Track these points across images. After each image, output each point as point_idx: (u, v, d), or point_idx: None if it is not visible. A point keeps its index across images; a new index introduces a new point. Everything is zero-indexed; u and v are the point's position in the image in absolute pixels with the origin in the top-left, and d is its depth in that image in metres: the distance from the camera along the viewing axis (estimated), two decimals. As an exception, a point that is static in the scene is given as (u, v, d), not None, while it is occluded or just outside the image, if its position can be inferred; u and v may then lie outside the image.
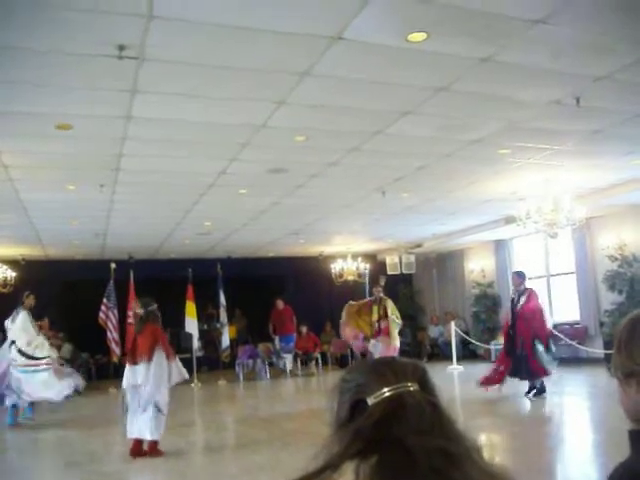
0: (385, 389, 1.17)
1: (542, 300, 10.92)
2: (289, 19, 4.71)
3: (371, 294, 12.68)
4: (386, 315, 11.64)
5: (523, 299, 10.26)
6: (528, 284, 10.97)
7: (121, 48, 4.91)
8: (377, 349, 11.44)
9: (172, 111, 6.52)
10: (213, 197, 10.50)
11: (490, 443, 6.97)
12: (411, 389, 1.17)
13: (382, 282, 12.30)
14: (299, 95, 6.19)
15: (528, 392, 9.97)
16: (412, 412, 1.14)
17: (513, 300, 10.54)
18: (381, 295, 12.02)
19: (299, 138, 7.62)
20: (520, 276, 10.70)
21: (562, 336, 13.44)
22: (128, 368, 7.25)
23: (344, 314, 12.25)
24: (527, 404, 9.70)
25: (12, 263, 15.44)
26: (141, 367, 7.07)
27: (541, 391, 10.01)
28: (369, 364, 1.35)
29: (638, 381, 1.41)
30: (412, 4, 4.55)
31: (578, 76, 6.08)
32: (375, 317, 11.78)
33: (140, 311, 7.63)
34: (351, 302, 12.47)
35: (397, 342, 11.67)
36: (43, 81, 5.55)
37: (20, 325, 9.67)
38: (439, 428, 1.14)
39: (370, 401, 1.17)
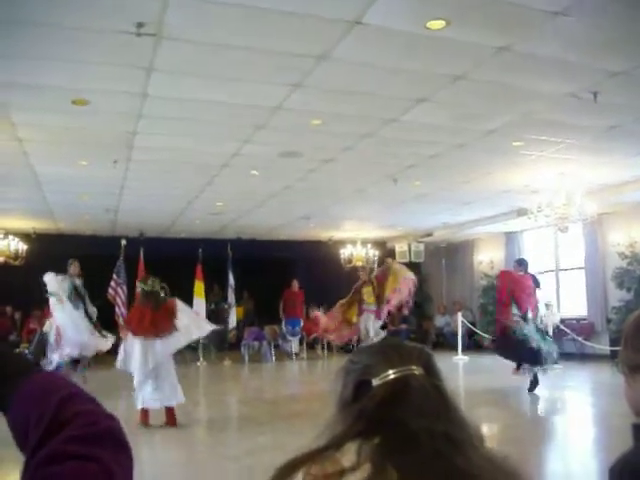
0: (390, 371, 1.19)
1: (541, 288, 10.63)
2: (308, 2, 4.70)
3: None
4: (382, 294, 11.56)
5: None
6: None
7: (139, 25, 4.91)
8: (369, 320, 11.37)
9: (187, 90, 6.53)
10: (226, 178, 10.51)
11: (490, 433, 6.98)
12: (416, 372, 1.19)
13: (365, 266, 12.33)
14: (316, 79, 6.18)
15: (531, 388, 9.74)
16: (416, 395, 1.16)
17: None
18: (370, 276, 11.96)
19: (315, 122, 7.61)
20: (520, 264, 10.53)
21: (569, 331, 13.43)
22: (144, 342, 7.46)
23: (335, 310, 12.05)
24: (530, 397, 9.70)
25: (23, 236, 15.52)
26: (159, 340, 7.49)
27: (536, 382, 9.75)
28: (376, 346, 1.37)
29: (645, 376, 1.43)
30: (432, -9, 4.54)
31: (596, 70, 6.04)
32: (372, 299, 11.64)
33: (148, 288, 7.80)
34: (341, 301, 12.12)
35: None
36: (62, 56, 5.57)
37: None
38: (443, 412, 1.16)
39: (375, 382, 1.19)
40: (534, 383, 9.68)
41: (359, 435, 1.14)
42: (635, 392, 1.46)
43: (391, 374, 1.18)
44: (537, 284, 10.22)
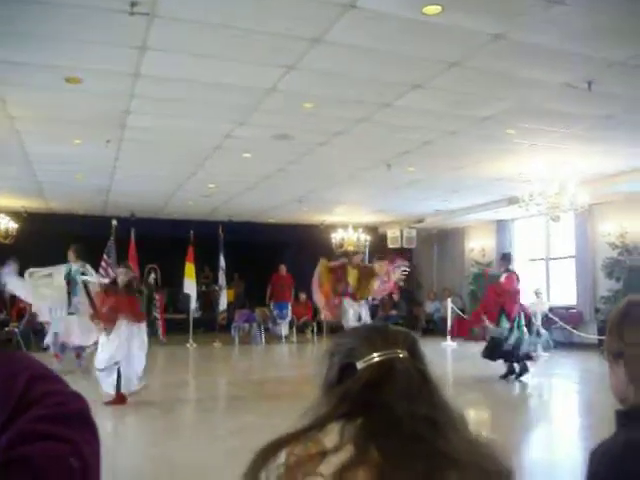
0: (375, 354, 1.19)
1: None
2: (304, -16, 4.66)
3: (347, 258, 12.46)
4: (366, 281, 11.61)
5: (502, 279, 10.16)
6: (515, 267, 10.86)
7: (133, 4, 4.87)
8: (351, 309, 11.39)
9: (181, 71, 6.48)
10: (218, 160, 10.48)
11: (475, 419, 7.04)
12: (400, 356, 1.20)
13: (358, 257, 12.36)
14: (309, 61, 6.15)
15: (518, 375, 9.84)
16: (400, 378, 1.16)
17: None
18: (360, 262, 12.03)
19: (307, 105, 7.58)
20: (504, 259, 10.60)
21: (557, 319, 13.52)
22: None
23: (318, 274, 11.85)
24: (517, 384, 9.77)
25: (14, 214, 15.45)
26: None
27: (511, 373, 9.89)
28: (361, 329, 1.38)
29: (626, 362, 1.45)
30: (429, -24, 4.51)
31: (592, 60, 6.03)
32: (355, 283, 11.67)
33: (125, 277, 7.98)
34: (323, 261, 12.02)
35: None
36: (55, 34, 5.52)
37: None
38: (426, 396, 1.17)
39: (359, 365, 1.20)
40: (509, 372, 9.87)
41: (342, 416, 1.15)
42: (618, 379, 1.48)
43: (376, 357, 1.19)
44: (518, 280, 10.25)
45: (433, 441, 1.10)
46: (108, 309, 7.72)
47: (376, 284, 11.59)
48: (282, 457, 1.13)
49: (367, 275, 11.62)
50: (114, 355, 7.57)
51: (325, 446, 1.11)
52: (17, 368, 0.87)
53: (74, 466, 0.74)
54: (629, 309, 1.51)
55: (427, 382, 1.20)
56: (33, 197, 14.23)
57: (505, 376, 9.85)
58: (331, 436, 1.12)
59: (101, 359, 7.66)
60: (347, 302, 11.47)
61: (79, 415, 0.83)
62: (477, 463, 1.12)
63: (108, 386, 7.65)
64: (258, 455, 1.15)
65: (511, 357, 9.84)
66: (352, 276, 11.55)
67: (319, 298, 11.97)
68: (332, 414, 1.16)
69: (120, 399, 7.60)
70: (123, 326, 7.65)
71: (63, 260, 10.50)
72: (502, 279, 10.10)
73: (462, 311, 16.62)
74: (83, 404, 0.87)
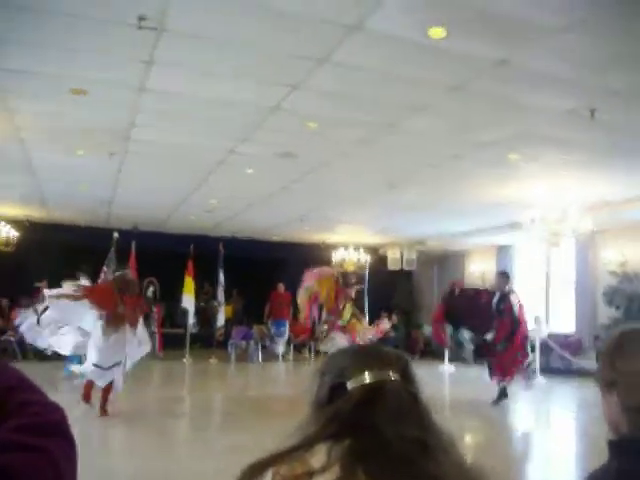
0: (366, 375, 1.18)
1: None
2: (311, 4, 4.70)
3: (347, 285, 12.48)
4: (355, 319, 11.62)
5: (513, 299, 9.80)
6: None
7: (141, 18, 4.90)
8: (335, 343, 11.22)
9: (186, 86, 6.52)
10: (221, 175, 10.49)
11: (469, 445, 6.99)
12: (392, 378, 1.19)
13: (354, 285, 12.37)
14: (315, 81, 6.18)
15: (497, 400, 9.55)
16: (390, 400, 1.15)
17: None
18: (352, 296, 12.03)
19: (311, 124, 7.61)
20: (504, 276, 10.26)
21: (555, 346, 13.46)
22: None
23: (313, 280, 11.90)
24: (513, 410, 9.71)
25: (16, 223, 15.48)
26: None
27: (503, 395, 9.63)
28: (353, 349, 1.37)
29: (619, 391, 1.44)
30: (435, 0, 4.54)
31: (595, 88, 6.06)
32: (347, 317, 11.69)
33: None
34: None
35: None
36: (62, 44, 5.55)
37: None
38: (416, 419, 1.16)
39: (350, 385, 1.19)
40: (500, 395, 9.61)
41: (331, 437, 1.14)
42: (611, 408, 1.47)
43: (367, 378, 1.18)
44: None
45: (423, 464, 1.09)
46: (131, 310, 7.78)
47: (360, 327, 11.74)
48: (268, 477, 1.12)
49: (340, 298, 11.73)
50: (115, 356, 7.60)
51: (312, 467, 1.10)
52: None
53: (49, 476, 0.73)
54: (622, 338, 1.51)
55: (418, 405, 1.19)
56: (36, 206, 14.24)
57: (497, 401, 9.62)
58: (318, 456, 1.11)
59: (106, 358, 7.67)
60: (335, 334, 11.53)
61: (56, 426, 0.82)
62: None
63: (104, 382, 7.70)
64: (244, 474, 1.14)
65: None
66: (347, 311, 11.65)
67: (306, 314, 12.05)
68: (320, 434, 1.15)
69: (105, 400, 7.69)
70: (127, 328, 7.72)
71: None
72: (517, 308, 9.70)
73: (461, 335, 16.54)
74: (60, 415, 0.86)
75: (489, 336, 9.60)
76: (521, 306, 9.75)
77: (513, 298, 9.75)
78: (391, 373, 1.20)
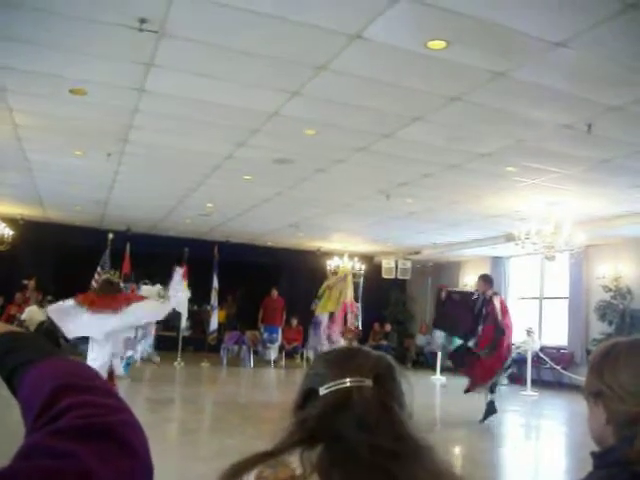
0: (337, 381, 1.18)
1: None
2: (312, 12, 4.72)
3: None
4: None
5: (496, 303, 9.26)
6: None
7: (142, 21, 4.92)
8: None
9: (186, 89, 6.53)
10: (218, 180, 10.50)
11: (459, 456, 6.99)
12: (363, 384, 1.17)
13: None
14: (314, 88, 6.20)
15: (484, 418, 9.09)
16: (356, 408, 1.14)
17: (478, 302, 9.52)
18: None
19: (309, 131, 7.63)
20: (486, 280, 9.70)
21: (547, 359, 13.46)
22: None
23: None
24: (504, 422, 9.70)
25: (11, 221, 15.43)
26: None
27: (491, 411, 9.11)
28: (332, 354, 1.35)
29: (605, 403, 1.44)
30: (436, 12, 4.57)
31: (592, 103, 6.10)
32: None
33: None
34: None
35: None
36: (63, 45, 5.56)
37: None
38: (386, 426, 1.13)
39: (321, 392, 1.18)
40: (488, 412, 9.13)
41: (301, 442, 1.13)
42: (596, 419, 1.47)
43: (336, 384, 1.18)
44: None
45: (393, 472, 1.07)
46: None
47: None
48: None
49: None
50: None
51: (295, 472, 1.10)
52: (48, 376, 0.82)
53: None
54: (611, 349, 1.51)
55: (388, 412, 1.15)
56: (31, 205, 14.21)
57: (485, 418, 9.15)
58: (297, 462, 1.11)
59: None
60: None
61: (102, 429, 0.73)
62: None
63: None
64: (222, 478, 1.14)
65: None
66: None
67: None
68: (290, 440, 1.15)
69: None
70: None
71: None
72: (500, 312, 9.17)
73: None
74: (116, 417, 0.77)
75: (471, 343, 9.36)
76: (506, 310, 9.32)
77: (496, 302, 9.28)
78: (363, 379, 1.18)
